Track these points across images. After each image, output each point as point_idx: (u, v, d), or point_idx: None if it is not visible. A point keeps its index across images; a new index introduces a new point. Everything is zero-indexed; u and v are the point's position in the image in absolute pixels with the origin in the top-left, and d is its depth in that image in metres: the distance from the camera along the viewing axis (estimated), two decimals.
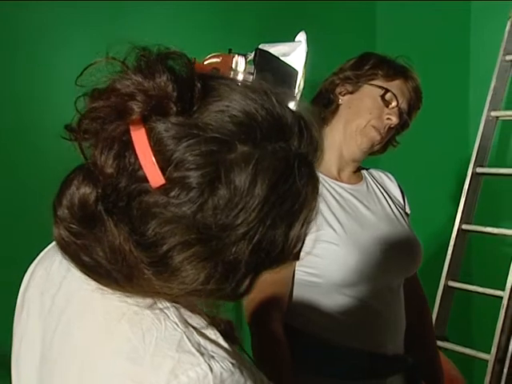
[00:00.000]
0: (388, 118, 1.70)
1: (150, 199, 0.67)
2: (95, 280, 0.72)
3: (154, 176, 0.66)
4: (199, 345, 0.69)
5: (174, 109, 0.67)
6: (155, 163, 0.66)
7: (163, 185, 0.66)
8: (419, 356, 1.82)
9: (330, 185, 1.70)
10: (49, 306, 0.82)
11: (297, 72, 2.45)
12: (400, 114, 1.71)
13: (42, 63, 2.44)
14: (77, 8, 2.74)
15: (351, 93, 1.74)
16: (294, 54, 2.51)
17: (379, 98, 1.71)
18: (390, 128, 1.71)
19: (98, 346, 0.72)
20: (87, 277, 0.72)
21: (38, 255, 0.94)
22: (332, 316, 1.61)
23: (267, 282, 1.53)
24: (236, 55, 2.44)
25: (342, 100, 1.74)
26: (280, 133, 0.70)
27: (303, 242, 0.77)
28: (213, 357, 0.68)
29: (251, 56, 2.43)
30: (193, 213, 0.66)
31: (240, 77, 2.42)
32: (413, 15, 3.55)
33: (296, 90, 2.10)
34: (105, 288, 0.72)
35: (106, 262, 0.69)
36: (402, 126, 1.74)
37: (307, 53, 2.49)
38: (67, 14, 2.76)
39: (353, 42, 3.33)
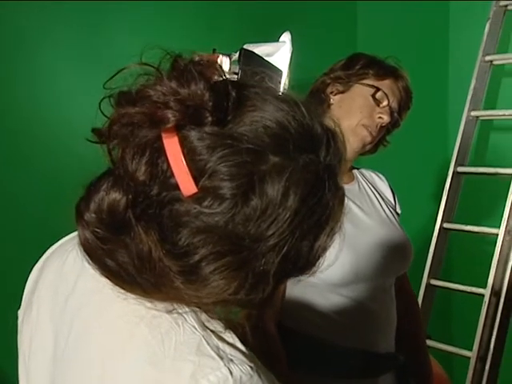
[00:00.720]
0: (379, 117, 1.70)
1: (181, 208, 0.67)
2: (118, 285, 0.71)
3: (187, 184, 0.66)
4: (218, 348, 0.69)
5: (210, 118, 0.67)
6: (188, 171, 0.66)
7: (195, 194, 0.66)
8: (408, 353, 1.83)
9: None
10: (62, 307, 0.81)
11: (281, 72, 2.46)
12: (391, 113, 1.72)
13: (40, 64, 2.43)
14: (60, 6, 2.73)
15: (342, 92, 1.75)
16: (278, 54, 2.52)
17: (370, 97, 1.72)
18: (381, 127, 1.72)
19: (119, 349, 0.72)
20: (109, 281, 0.71)
21: (38, 255, 0.93)
22: (326, 315, 1.62)
23: None
24: (220, 55, 2.44)
25: (333, 100, 1.75)
26: (310, 144, 0.71)
27: (325, 253, 0.78)
28: (232, 360, 0.68)
29: (236, 56, 2.43)
30: (225, 223, 0.66)
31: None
32: (393, 15, 3.57)
33: (280, 90, 2.12)
34: (127, 293, 0.71)
35: (132, 268, 0.68)
36: (393, 125, 1.76)
37: (292, 53, 2.51)
38: (54, 15, 2.75)
39: (335, 42, 3.35)
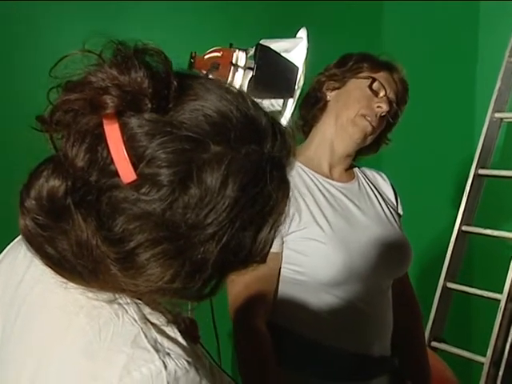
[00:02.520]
0: (378, 107, 1.70)
1: (119, 194, 0.68)
2: (59, 273, 0.72)
3: (126, 171, 0.67)
4: (155, 341, 0.69)
5: (149, 105, 0.68)
6: (127, 158, 0.66)
7: (134, 181, 0.67)
8: (407, 356, 1.83)
9: (320, 182, 1.71)
10: (10, 297, 0.82)
11: (297, 68, 2.47)
12: (389, 103, 1.72)
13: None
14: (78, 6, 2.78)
15: (338, 88, 1.76)
16: (295, 50, 2.52)
17: (367, 88, 1.72)
18: (381, 117, 1.71)
19: (55, 338, 0.72)
20: (51, 269, 0.72)
21: (5, 248, 0.94)
22: (318, 315, 1.61)
23: (252, 279, 1.55)
24: (237, 50, 2.46)
25: (329, 96, 1.76)
26: (254, 135, 0.71)
27: (270, 246, 0.77)
28: (168, 354, 0.68)
29: (252, 51, 2.45)
30: (162, 210, 0.67)
31: (240, 72, 2.44)
32: (421, 14, 3.55)
33: (296, 86, 2.12)
34: (68, 282, 0.72)
35: (71, 255, 0.69)
36: (393, 117, 1.75)
37: (308, 49, 2.51)
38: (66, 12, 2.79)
39: (359, 40, 3.34)
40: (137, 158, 0.67)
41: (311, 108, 1.78)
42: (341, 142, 1.72)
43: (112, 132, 0.67)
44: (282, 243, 1.61)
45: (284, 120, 2.16)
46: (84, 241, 0.68)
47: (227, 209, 0.68)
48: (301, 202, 1.64)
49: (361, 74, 1.75)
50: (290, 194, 0.74)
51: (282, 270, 1.62)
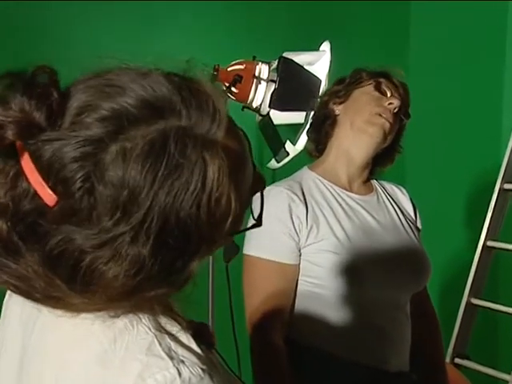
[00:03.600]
0: (390, 103, 1.71)
1: (50, 217, 0.67)
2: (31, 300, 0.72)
3: (46, 196, 0.66)
4: (170, 349, 0.69)
5: (42, 125, 0.66)
6: (44, 184, 0.66)
7: (58, 201, 0.66)
8: (425, 372, 1.81)
9: (338, 194, 1.71)
10: (29, 311, 0.82)
11: (320, 81, 2.48)
12: (400, 99, 1.74)
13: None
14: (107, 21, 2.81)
15: (344, 101, 1.78)
16: (319, 63, 2.54)
17: (374, 91, 1.74)
18: (394, 114, 1.71)
19: (71, 348, 0.73)
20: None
21: None
22: (334, 329, 1.61)
23: (269, 293, 1.57)
24: (260, 63, 2.49)
25: (338, 110, 1.77)
26: (152, 114, 0.68)
27: (238, 219, 0.75)
28: (183, 361, 0.68)
29: (275, 64, 2.47)
30: (86, 220, 0.66)
31: (263, 84, 2.45)
32: (447, 24, 3.55)
33: (319, 99, 2.13)
34: None
35: (37, 285, 0.69)
36: (405, 114, 1.77)
37: (331, 62, 2.52)
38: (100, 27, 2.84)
39: (384, 53, 3.34)
40: (51, 178, 0.66)
41: (321, 127, 1.80)
42: (359, 147, 1.72)
43: (25, 163, 0.66)
44: (300, 255, 1.61)
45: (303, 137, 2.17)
46: (34, 272, 0.68)
47: (145, 197, 0.65)
48: (319, 214, 1.64)
49: (363, 83, 1.76)
50: (218, 156, 0.69)
51: (299, 282, 1.63)
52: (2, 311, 0.92)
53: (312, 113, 1.89)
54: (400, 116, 1.74)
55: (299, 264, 1.62)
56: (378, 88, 1.75)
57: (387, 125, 1.70)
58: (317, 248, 1.60)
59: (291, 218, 1.61)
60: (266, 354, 1.58)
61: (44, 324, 0.78)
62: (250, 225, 0.83)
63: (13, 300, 0.89)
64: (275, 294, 1.58)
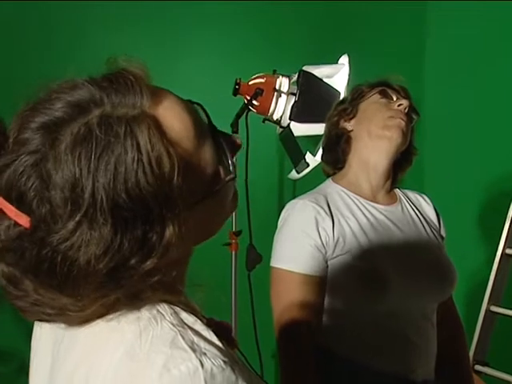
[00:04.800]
0: (399, 105, 1.72)
1: (32, 238, 0.70)
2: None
3: (20, 219, 0.70)
4: (192, 342, 0.72)
5: None
6: (14, 209, 0.70)
7: (30, 220, 0.70)
8: (452, 378, 1.80)
9: (363, 205, 1.71)
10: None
11: (339, 93, 2.50)
12: (407, 99, 1.75)
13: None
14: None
15: (353, 116, 1.79)
16: (338, 75, 2.55)
17: (380, 99, 1.76)
18: (406, 114, 1.72)
19: (100, 346, 0.75)
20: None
21: None
22: (362, 338, 1.61)
23: (295, 302, 1.57)
24: (280, 76, 2.50)
25: (350, 126, 1.79)
26: (78, 112, 0.71)
27: (201, 177, 0.78)
28: (205, 354, 0.70)
29: (295, 77, 2.48)
30: (51, 224, 0.69)
31: (283, 97, 2.47)
32: (462, 33, 3.54)
33: None
34: None
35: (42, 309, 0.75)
36: (415, 112, 1.77)
37: (349, 75, 2.53)
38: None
39: (400, 66, 3.35)
40: (17, 202, 0.70)
41: (337, 146, 1.81)
42: (380, 153, 1.73)
43: None
44: (327, 266, 1.62)
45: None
46: (36, 293, 0.73)
47: (87, 180, 0.68)
48: (345, 226, 1.64)
49: (366, 95, 1.79)
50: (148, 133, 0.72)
51: (326, 293, 1.63)
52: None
53: (323, 137, 1.90)
54: (411, 115, 1.75)
55: (326, 275, 1.62)
56: (383, 95, 1.77)
57: (403, 124, 1.71)
58: (344, 260, 1.60)
59: (318, 230, 1.62)
60: (293, 358, 1.59)
61: (73, 329, 0.80)
62: (228, 178, 0.83)
63: None
64: (302, 305, 1.58)
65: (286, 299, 1.61)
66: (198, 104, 0.83)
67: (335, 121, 1.82)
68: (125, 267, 0.71)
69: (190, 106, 0.80)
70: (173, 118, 0.75)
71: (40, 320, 0.78)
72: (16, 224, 0.70)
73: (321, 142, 1.93)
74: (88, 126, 0.69)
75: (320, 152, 1.97)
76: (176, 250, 0.74)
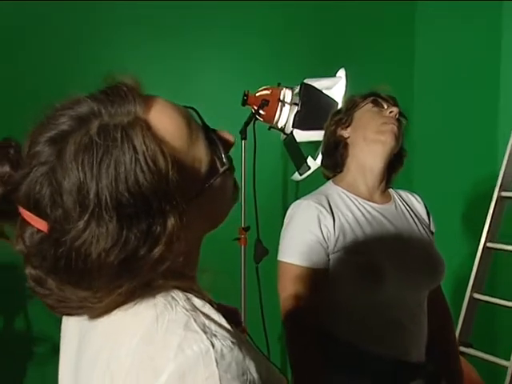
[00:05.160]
0: (390, 112, 1.73)
1: (50, 241, 0.72)
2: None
3: (39, 225, 0.72)
4: (204, 325, 0.72)
5: (9, 171, 0.74)
6: (34, 216, 0.71)
7: (47, 224, 0.71)
8: (442, 361, 1.80)
9: (361, 204, 1.71)
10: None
11: (337, 103, 2.50)
12: (396, 106, 1.76)
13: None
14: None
15: (349, 125, 1.79)
16: (335, 87, 2.55)
17: (372, 108, 1.76)
18: (397, 120, 1.73)
19: (120, 330, 0.76)
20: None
21: None
22: (360, 324, 1.61)
23: (301, 293, 1.59)
24: (284, 88, 2.51)
25: (347, 133, 1.78)
26: (79, 124, 0.72)
27: (197, 172, 0.78)
28: (215, 335, 0.71)
29: (297, 89, 2.49)
30: (64, 224, 0.70)
31: (287, 107, 2.47)
32: (448, 46, 3.55)
33: None
34: None
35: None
36: (404, 116, 1.78)
37: (346, 87, 2.53)
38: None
39: (391, 80, 3.35)
40: (31, 208, 0.72)
41: (335, 152, 1.80)
42: (375, 156, 1.73)
43: (22, 211, 0.73)
44: (329, 260, 1.62)
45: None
46: (58, 288, 0.75)
47: (91, 182, 0.69)
48: (345, 223, 1.64)
49: (360, 105, 1.79)
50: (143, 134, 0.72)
51: (329, 282, 1.63)
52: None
53: (322, 144, 1.90)
54: (401, 120, 1.75)
55: (328, 268, 1.62)
56: (375, 104, 1.77)
57: (395, 128, 1.71)
58: (344, 254, 1.61)
59: (320, 228, 1.62)
60: (298, 338, 1.60)
61: (96, 320, 0.81)
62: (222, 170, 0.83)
63: None
64: (306, 294, 1.59)
65: (292, 289, 1.61)
66: (192, 108, 0.83)
67: (333, 129, 1.82)
68: (134, 258, 0.71)
69: (182, 109, 0.80)
70: (165, 119, 0.76)
71: (67, 315, 0.79)
72: (38, 230, 0.72)
73: (320, 148, 1.93)
74: (88, 135, 0.70)
75: (320, 157, 1.97)
76: (183, 239, 0.74)
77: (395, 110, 1.73)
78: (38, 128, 0.74)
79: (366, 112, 1.76)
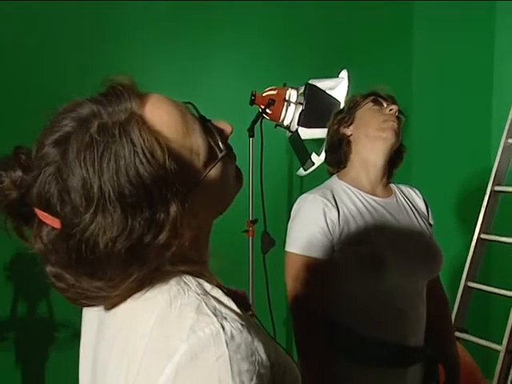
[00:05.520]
0: (390, 110, 1.71)
1: (62, 236, 0.72)
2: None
3: (53, 223, 0.72)
4: (215, 308, 0.72)
5: (21, 175, 0.74)
6: (48, 215, 0.72)
7: (60, 221, 0.72)
8: (439, 347, 1.79)
9: (364, 198, 1.70)
10: None
11: (339, 103, 2.48)
12: (395, 104, 1.74)
13: None
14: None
15: (351, 123, 1.77)
16: (338, 88, 2.54)
17: (373, 106, 1.74)
18: (396, 117, 1.72)
19: (137, 313, 0.76)
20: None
21: None
22: (362, 311, 1.60)
23: (307, 281, 1.59)
24: (289, 88, 2.50)
25: (349, 131, 1.77)
26: (81, 125, 0.72)
27: (195, 161, 0.78)
28: (225, 318, 0.71)
29: (302, 89, 2.48)
30: (73, 218, 0.71)
31: (292, 107, 2.47)
32: (443, 49, 3.53)
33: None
34: None
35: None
36: (403, 113, 1.76)
37: (348, 87, 2.52)
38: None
39: (390, 81, 3.33)
40: (44, 207, 0.72)
41: (339, 149, 1.78)
42: (376, 152, 1.71)
43: (37, 211, 0.74)
44: (334, 251, 1.61)
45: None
46: (76, 280, 0.75)
47: (94, 177, 0.70)
48: (349, 216, 1.64)
49: (361, 104, 1.77)
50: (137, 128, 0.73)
51: (333, 271, 1.63)
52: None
53: (325, 143, 1.89)
54: (399, 117, 1.74)
55: (333, 258, 1.62)
56: (375, 102, 1.75)
57: (395, 125, 1.70)
58: (348, 245, 1.60)
59: (326, 220, 1.61)
60: (304, 324, 1.60)
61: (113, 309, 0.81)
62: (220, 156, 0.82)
63: None
64: (311, 282, 1.59)
65: (298, 278, 1.61)
66: (189, 103, 0.83)
67: (336, 128, 1.81)
68: (141, 245, 0.71)
69: (177, 102, 0.80)
70: (159, 112, 0.76)
71: (86, 306, 0.80)
72: (53, 228, 0.72)
73: (324, 145, 1.92)
74: (89, 134, 0.71)
75: (323, 153, 1.96)
76: (188, 225, 0.74)
77: (395, 107, 1.72)
78: (44, 132, 0.74)
79: (367, 110, 1.75)
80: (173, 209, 0.72)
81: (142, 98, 0.76)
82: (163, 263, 0.74)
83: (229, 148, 0.84)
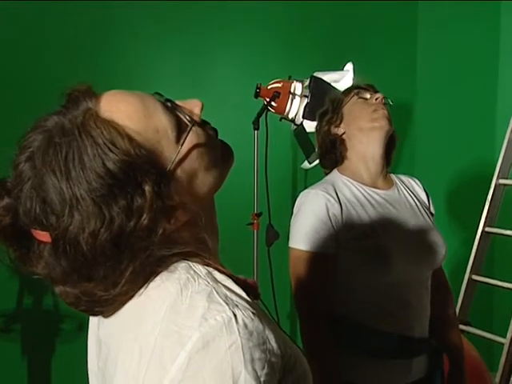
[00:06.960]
0: (376, 98, 1.70)
1: (52, 247, 0.73)
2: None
3: (46, 238, 0.73)
4: (226, 296, 0.71)
5: (6, 196, 0.75)
6: (42, 233, 0.73)
7: (50, 236, 0.72)
8: (444, 336, 1.79)
9: (366, 191, 1.69)
10: None
11: None
12: (378, 92, 1.74)
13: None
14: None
15: (340, 122, 1.75)
16: (343, 80, 2.53)
17: (357, 99, 1.73)
18: (384, 104, 1.71)
19: (147, 305, 0.75)
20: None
21: None
22: (371, 304, 1.60)
23: (312, 276, 1.59)
24: (294, 81, 2.48)
25: (341, 130, 1.75)
26: (46, 134, 0.74)
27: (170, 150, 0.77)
28: (237, 306, 0.70)
29: (307, 82, 2.46)
30: (56, 221, 0.71)
31: (297, 99, 2.45)
32: (448, 47, 3.51)
33: None
34: None
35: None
36: (390, 99, 1.75)
37: (353, 80, 2.50)
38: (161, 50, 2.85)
39: (396, 70, 3.31)
40: (30, 222, 0.74)
41: (333, 149, 1.76)
42: (373, 143, 1.70)
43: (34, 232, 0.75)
44: (337, 245, 1.60)
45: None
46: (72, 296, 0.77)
47: (61, 177, 0.71)
48: (351, 210, 1.63)
49: (345, 100, 1.76)
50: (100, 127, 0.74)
51: (338, 265, 1.62)
52: None
53: (317, 147, 1.86)
54: (386, 102, 1.73)
55: (337, 252, 1.61)
56: (359, 95, 1.74)
57: (386, 113, 1.69)
58: (352, 239, 1.59)
59: (328, 216, 1.60)
60: (309, 317, 1.60)
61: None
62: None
63: None
64: (316, 276, 1.59)
65: (303, 273, 1.60)
66: (156, 93, 0.83)
67: (326, 129, 1.78)
68: (124, 234, 0.71)
69: (134, 92, 0.80)
70: (115, 103, 0.76)
71: (102, 314, 0.79)
72: (47, 243, 0.73)
73: (316, 152, 1.90)
74: (51, 140, 0.72)
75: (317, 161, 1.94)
76: (177, 204, 0.74)
77: (380, 95, 1.70)
78: (17, 153, 0.75)
79: (353, 105, 1.73)
80: (148, 190, 0.72)
81: (97, 97, 0.77)
82: (154, 248, 0.73)
83: (203, 122, 0.84)
